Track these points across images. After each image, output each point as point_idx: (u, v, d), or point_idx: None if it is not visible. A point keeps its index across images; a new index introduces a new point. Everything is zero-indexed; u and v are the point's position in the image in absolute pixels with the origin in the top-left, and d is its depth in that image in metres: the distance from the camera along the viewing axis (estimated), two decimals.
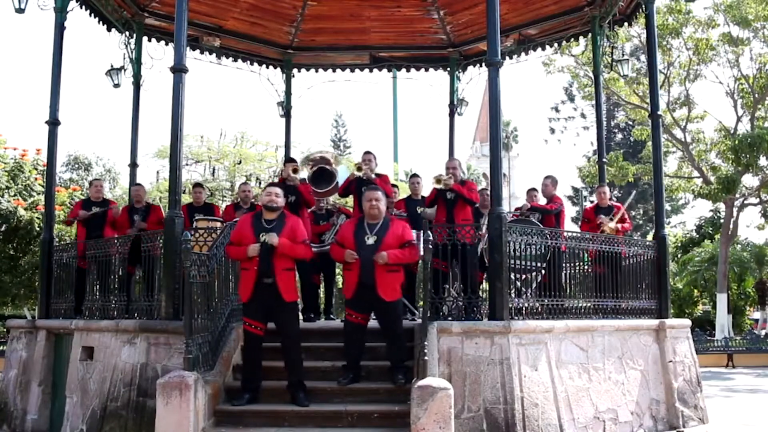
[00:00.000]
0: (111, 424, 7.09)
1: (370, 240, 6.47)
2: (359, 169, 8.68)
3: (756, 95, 23.95)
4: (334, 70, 13.07)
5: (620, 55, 12.15)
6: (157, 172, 22.41)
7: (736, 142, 22.12)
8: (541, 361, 6.92)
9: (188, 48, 9.45)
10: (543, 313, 7.47)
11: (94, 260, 8.56)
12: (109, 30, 10.88)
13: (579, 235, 8.58)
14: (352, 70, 13.07)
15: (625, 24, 11.43)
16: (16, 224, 14.75)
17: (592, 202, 9.95)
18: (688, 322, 9.40)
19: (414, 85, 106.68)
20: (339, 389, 6.54)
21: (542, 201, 9.51)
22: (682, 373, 8.51)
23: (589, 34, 11.47)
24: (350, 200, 10.21)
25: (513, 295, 7.26)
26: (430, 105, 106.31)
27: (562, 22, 11.37)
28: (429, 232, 6.33)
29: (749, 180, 25.45)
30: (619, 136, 45.08)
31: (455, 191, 8.18)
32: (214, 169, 21.91)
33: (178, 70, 7.35)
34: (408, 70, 13.16)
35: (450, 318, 7.13)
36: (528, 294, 7.89)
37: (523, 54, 12.03)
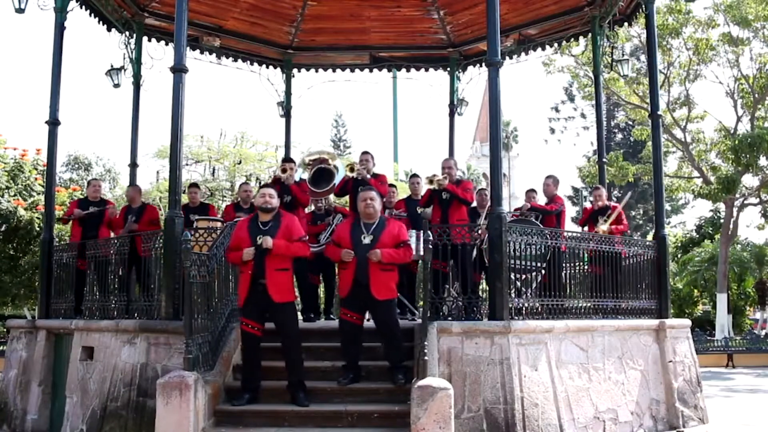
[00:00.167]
0: (111, 424, 7.09)
1: (367, 239, 6.50)
2: (352, 169, 8.69)
3: (756, 95, 23.92)
4: (334, 70, 13.07)
5: (620, 55, 12.15)
6: (157, 172, 22.47)
7: (736, 142, 22.09)
8: (541, 361, 6.92)
9: (188, 48, 9.46)
10: (543, 313, 7.48)
11: (93, 260, 8.57)
12: (109, 30, 10.89)
13: (579, 235, 8.59)
14: (352, 70, 13.07)
15: (625, 24, 11.44)
16: (16, 224, 14.75)
17: (591, 202, 9.94)
18: (688, 322, 9.40)
19: (414, 85, 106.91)
20: (339, 389, 6.55)
21: (543, 201, 9.52)
22: (682, 373, 8.51)
23: (589, 34, 11.47)
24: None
25: (513, 295, 7.26)
26: (430, 105, 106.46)
27: (562, 22, 11.37)
28: (429, 233, 6.35)
29: (749, 180, 25.45)
30: (619, 136, 45.03)
31: (450, 191, 8.18)
32: (214, 169, 21.93)
33: (178, 70, 7.36)
34: (408, 70, 13.16)
35: (450, 318, 7.13)
36: (528, 294, 7.89)
37: (523, 54, 12.03)
